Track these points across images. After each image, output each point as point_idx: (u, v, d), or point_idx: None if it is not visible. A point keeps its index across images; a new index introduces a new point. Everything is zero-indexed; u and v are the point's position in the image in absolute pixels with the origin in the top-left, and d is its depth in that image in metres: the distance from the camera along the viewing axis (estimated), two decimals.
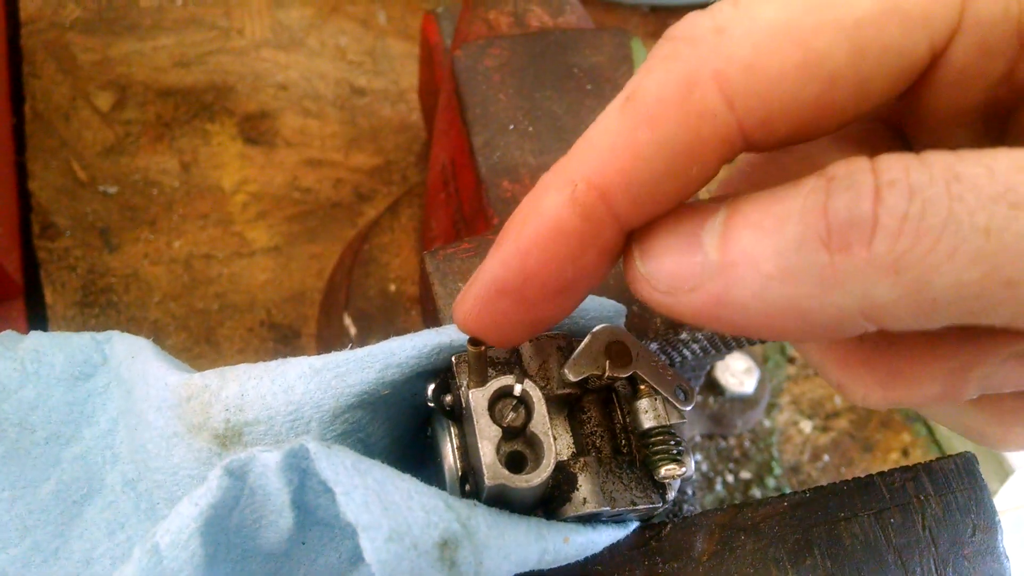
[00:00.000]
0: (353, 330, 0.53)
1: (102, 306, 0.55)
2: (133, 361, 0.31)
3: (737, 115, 0.19)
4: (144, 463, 0.30)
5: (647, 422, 0.27)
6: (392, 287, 0.54)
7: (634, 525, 0.29)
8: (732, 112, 0.19)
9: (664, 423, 0.27)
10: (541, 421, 0.25)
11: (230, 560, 0.26)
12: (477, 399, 0.25)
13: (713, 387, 0.56)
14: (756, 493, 0.56)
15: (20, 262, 0.57)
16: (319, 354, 0.57)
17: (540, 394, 0.25)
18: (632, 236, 0.21)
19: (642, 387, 0.28)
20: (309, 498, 0.26)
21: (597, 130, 0.21)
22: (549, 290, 0.22)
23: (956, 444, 0.58)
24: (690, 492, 0.44)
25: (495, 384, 0.25)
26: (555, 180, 0.21)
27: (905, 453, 0.59)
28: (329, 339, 0.55)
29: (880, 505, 0.31)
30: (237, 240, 0.59)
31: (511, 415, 0.25)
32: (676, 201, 0.21)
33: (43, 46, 0.62)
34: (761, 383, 0.56)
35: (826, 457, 0.58)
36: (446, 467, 0.28)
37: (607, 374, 0.27)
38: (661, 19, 0.72)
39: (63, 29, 0.63)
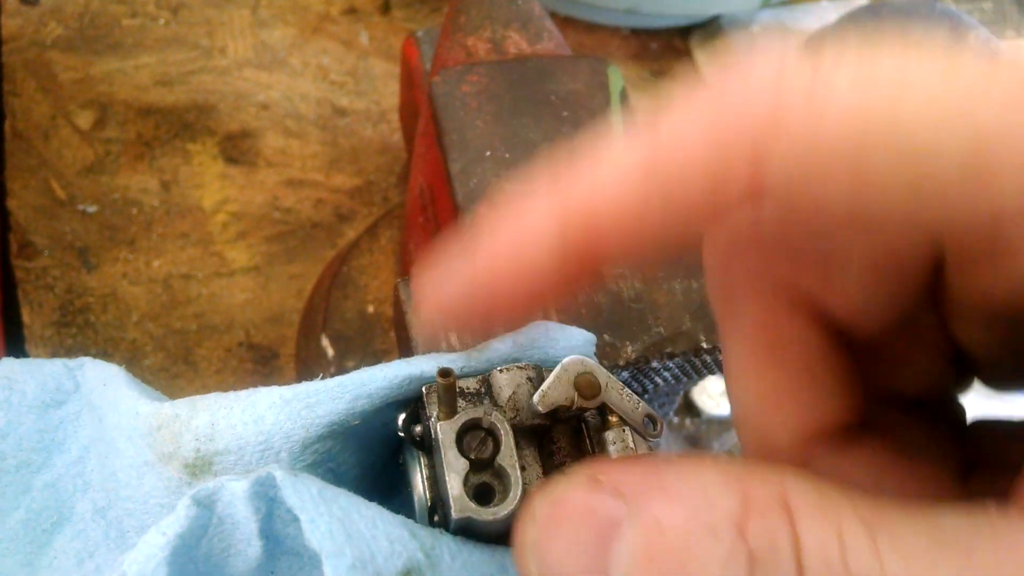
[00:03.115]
0: (331, 352, 0.53)
1: (79, 326, 0.55)
2: (105, 388, 0.31)
3: (761, 184, 0.16)
4: (114, 491, 0.30)
5: (615, 453, 0.27)
6: (371, 308, 0.54)
7: None
8: (756, 176, 0.16)
9: (632, 454, 0.27)
10: (508, 453, 0.25)
11: None
12: (445, 431, 0.25)
13: (690, 408, 0.56)
14: None
15: None
16: (297, 374, 0.57)
17: (508, 427, 0.26)
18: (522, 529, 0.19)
19: (611, 418, 0.28)
20: (277, 527, 0.26)
21: (609, 161, 0.18)
22: (514, 301, 0.21)
23: None
24: None
25: (463, 416, 0.26)
26: (548, 200, 0.19)
27: None
28: (307, 360, 0.55)
29: None
30: (217, 260, 0.59)
31: (479, 447, 0.26)
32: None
33: (24, 64, 0.62)
34: None
35: None
36: (415, 497, 0.28)
37: (576, 405, 0.27)
38: (641, 41, 0.73)
39: (44, 47, 0.63)
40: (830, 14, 0.70)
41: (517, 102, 0.42)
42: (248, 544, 0.26)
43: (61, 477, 0.30)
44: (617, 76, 0.45)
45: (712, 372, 0.36)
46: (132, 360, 0.55)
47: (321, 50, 0.67)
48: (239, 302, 0.57)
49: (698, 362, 0.34)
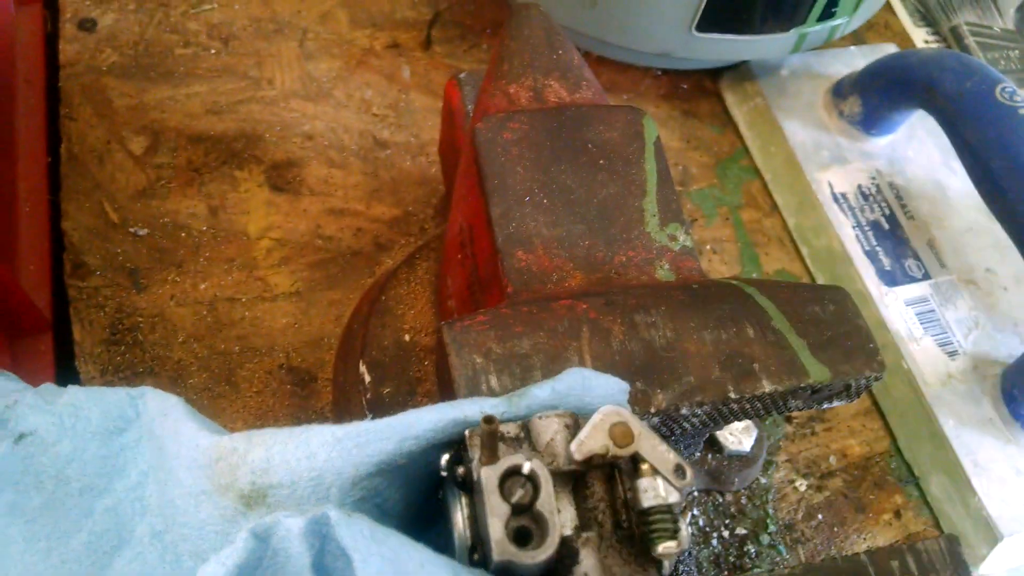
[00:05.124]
0: (368, 378, 0.55)
1: (128, 344, 0.57)
2: (165, 419, 0.33)
3: None
4: (172, 517, 0.32)
5: (646, 501, 0.29)
6: (407, 337, 0.56)
7: None
8: None
9: (663, 502, 0.29)
10: (547, 500, 0.27)
11: None
12: (488, 476, 0.27)
13: (712, 444, 0.57)
14: (751, 549, 0.57)
15: (50, 298, 0.59)
16: (334, 398, 0.58)
17: (548, 473, 0.27)
18: None
19: (643, 466, 0.29)
20: (328, 562, 0.27)
21: None
22: None
23: (947, 508, 0.59)
24: (688, 553, 0.45)
25: (506, 463, 0.27)
26: None
27: (897, 515, 0.60)
28: (345, 385, 0.57)
29: None
30: (260, 285, 0.61)
31: (519, 492, 0.27)
32: None
33: (80, 89, 0.65)
34: (758, 441, 0.58)
35: (820, 516, 0.59)
36: (456, 535, 0.30)
37: (610, 454, 0.29)
38: (672, 81, 0.75)
39: (100, 73, 0.66)
40: (859, 60, 0.72)
41: (556, 149, 0.44)
42: None
43: (121, 501, 0.32)
44: (652, 126, 0.46)
45: (739, 419, 0.38)
46: (177, 379, 0.57)
47: (364, 83, 0.70)
48: (280, 326, 0.60)
49: (726, 410, 0.36)
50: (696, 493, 0.59)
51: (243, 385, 0.57)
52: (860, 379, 0.36)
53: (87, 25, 0.68)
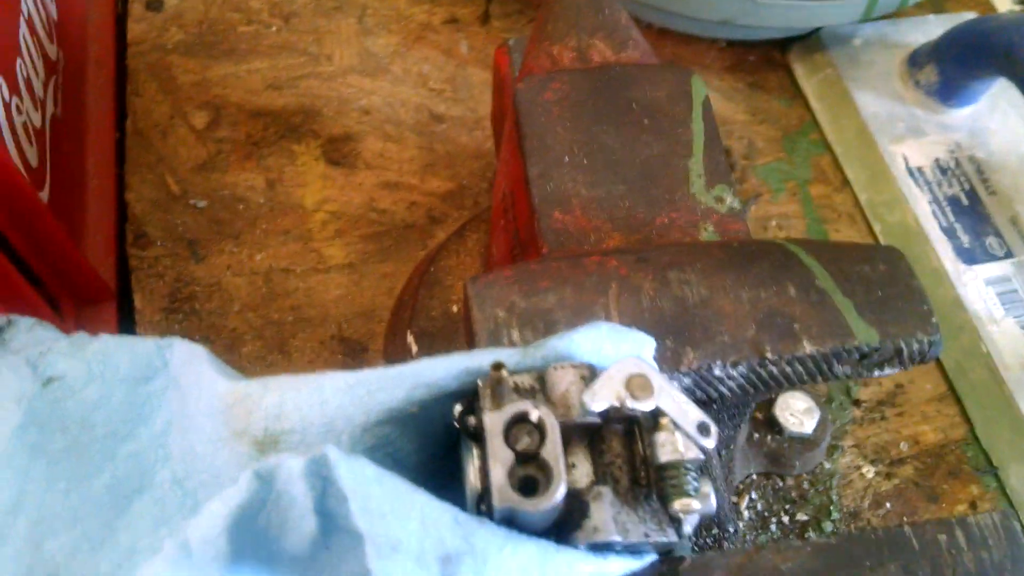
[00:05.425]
0: (415, 348, 0.55)
1: (186, 313, 0.59)
2: (189, 367, 0.33)
3: None
4: (192, 463, 0.32)
5: (664, 456, 0.27)
6: (455, 308, 0.56)
7: (651, 557, 0.29)
8: None
9: (681, 457, 0.27)
10: (553, 447, 0.26)
11: (257, 559, 0.28)
12: (493, 421, 0.26)
13: (772, 425, 0.55)
14: (812, 536, 0.55)
15: (115, 269, 0.61)
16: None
17: (555, 421, 0.26)
18: None
19: (662, 420, 0.28)
20: (331, 504, 0.27)
21: None
22: None
23: None
24: (732, 530, 0.44)
25: (512, 408, 0.26)
26: None
27: (973, 506, 0.56)
28: (394, 355, 0.57)
29: (908, 557, 0.30)
30: (315, 256, 0.61)
31: (526, 440, 0.26)
32: None
33: (146, 67, 0.67)
34: (822, 424, 0.55)
35: (888, 505, 0.56)
36: (468, 486, 0.29)
37: (627, 406, 0.28)
38: (738, 53, 0.72)
39: (166, 51, 0.68)
40: (937, 29, 0.68)
41: (598, 109, 0.43)
42: (304, 519, 0.27)
43: (145, 448, 0.33)
44: (700, 85, 0.45)
45: (781, 386, 0.36)
46: (231, 347, 0.58)
47: (422, 58, 0.69)
48: (333, 297, 0.60)
49: (764, 373, 0.34)
50: (755, 476, 0.57)
51: (295, 355, 0.58)
52: (912, 343, 0.34)
53: (155, 5, 0.70)
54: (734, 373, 0.34)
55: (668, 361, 0.33)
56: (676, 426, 0.28)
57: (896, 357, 0.35)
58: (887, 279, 0.35)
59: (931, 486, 0.57)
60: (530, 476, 0.26)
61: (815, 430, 0.55)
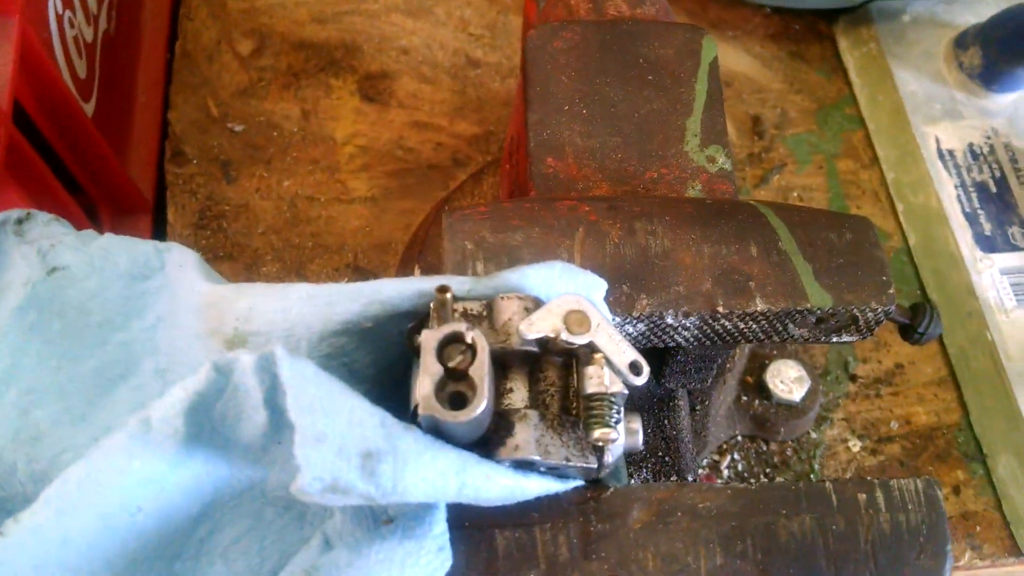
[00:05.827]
0: None
1: (213, 230, 0.62)
2: (181, 269, 0.36)
3: None
4: (173, 357, 0.34)
5: (590, 387, 0.29)
6: None
7: (575, 483, 0.31)
8: None
9: (605, 390, 0.29)
10: (480, 367, 0.28)
11: (213, 446, 0.30)
12: (427, 338, 0.28)
13: (761, 390, 0.56)
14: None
15: (154, 183, 0.64)
16: None
17: (486, 343, 0.28)
18: None
19: (596, 355, 0.30)
20: (279, 399, 0.29)
21: None
22: None
23: (1012, 491, 0.56)
24: (691, 479, 0.45)
25: (447, 328, 0.28)
26: None
27: (956, 491, 0.57)
28: None
29: (824, 511, 0.31)
30: (339, 187, 0.64)
31: (458, 358, 0.28)
32: None
33: None
34: (811, 393, 0.56)
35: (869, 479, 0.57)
36: (411, 399, 0.31)
37: (561, 338, 0.29)
38: (784, 21, 0.72)
39: None
40: (988, 10, 0.66)
41: (605, 61, 0.44)
42: (256, 412, 0.29)
43: (135, 339, 0.35)
44: (711, 46, 0.45)
45: (737, 341, 0.37)
46: (252, 266, 0.61)
47: (465, 2, 0.71)
48: (352, 228, 0.62)
49: (717, 326, 0.35)
50: (740, 438, 0.58)
51: (311, 279, 0.61)
52: (867, 311, 0.35)
53: None
54: (687, 323, 0.35)
55: (622, 305, 0.34)
56: (608, 362, 0.30)
57: (852, 324, 0.36)
58: (851, 247, 0.36)
59: (916, 467, 0.58)
60: (460, 392, 0.28)
61: (804, 399, 0.56)
